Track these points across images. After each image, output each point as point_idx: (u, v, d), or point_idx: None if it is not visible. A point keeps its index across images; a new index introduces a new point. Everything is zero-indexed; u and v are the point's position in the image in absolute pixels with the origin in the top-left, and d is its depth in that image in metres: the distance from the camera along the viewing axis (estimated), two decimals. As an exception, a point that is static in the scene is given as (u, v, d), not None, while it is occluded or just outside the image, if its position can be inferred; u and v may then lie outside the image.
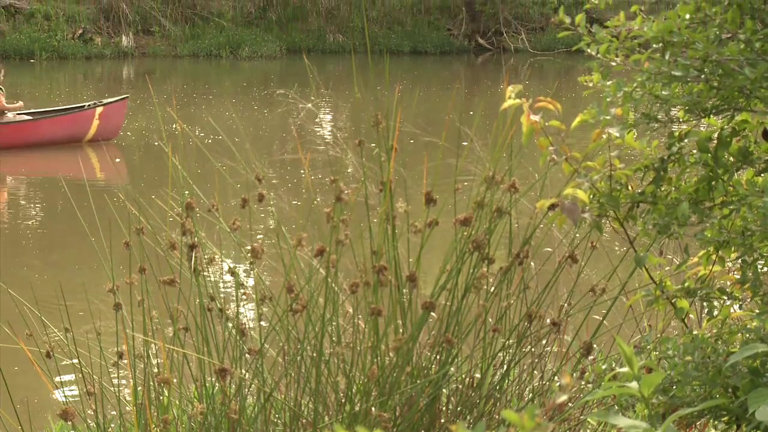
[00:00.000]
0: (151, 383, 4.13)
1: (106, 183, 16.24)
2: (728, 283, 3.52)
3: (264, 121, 22.43)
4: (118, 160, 16.58)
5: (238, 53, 37.84)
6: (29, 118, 18.92)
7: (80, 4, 37.52)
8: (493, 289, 3.88)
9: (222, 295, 4.16)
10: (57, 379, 4.52)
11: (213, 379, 3.99)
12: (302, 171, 15.88)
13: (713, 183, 3.27)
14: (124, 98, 19.65)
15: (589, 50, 3.25)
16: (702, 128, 3.31)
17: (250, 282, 4.14)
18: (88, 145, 18.48)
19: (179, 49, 37.98)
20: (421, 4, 43.33)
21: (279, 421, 4.06)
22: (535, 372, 4.05)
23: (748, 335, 3.14)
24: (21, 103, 19.20)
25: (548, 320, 3.95)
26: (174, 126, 18.49)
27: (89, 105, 19.31)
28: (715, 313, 3.42)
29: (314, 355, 3.86)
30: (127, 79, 32.87)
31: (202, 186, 4.68)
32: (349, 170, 4.15)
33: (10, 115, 18.74)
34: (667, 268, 3.76)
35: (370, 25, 41.08)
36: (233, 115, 23.13)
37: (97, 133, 18.84)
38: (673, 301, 3.41)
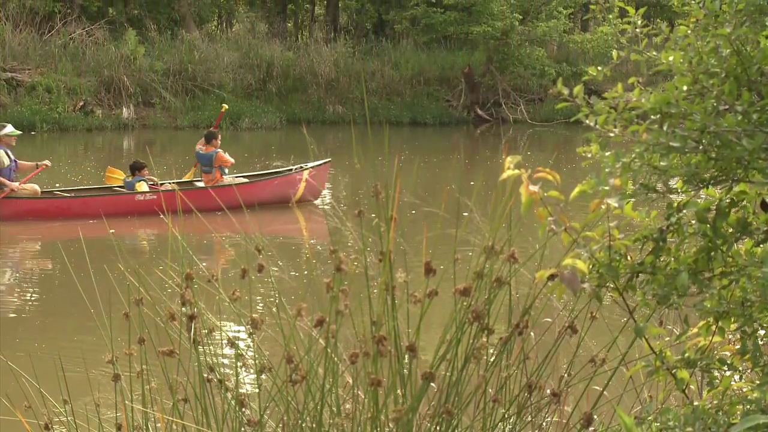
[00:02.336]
0: (150, 455, 4.10)
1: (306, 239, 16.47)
2: (728, 354, 3.51)
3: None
4: (112, 231, 16.56)
5: (238, 124, 38.04)
6: (246, 180, 19.79)
7: (81, 76, 37.74)
8: (493, 359, 3.87)
9: (221, 366, 4.15)
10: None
11: (212, 450, 3.97)
12: (303, 241, 15.90)
13: (712, 253, 3.27)
14: (326, 162, 20.56)
15: (587, 121, 3.27)
16: (700, 199, 3.32)
17: (250, 353, 4.13)
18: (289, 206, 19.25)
19: (180, 120, 38.17)
20: (420, 75, 43.65)
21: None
22: (536, 443, 4.03)
23: (748, 406, 3.13)
24: (232, 160, 19.89)
25: (548, 391, 3.94)
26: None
27: (296, 168, 20.27)
28: (716, 383, 3.41)
29: (314, 425, 3.84)
30: (127, 150, 32.97)
31: (203, 256, 4.68)
32: (349, 242, 4.15)
33: (227, 179, 19.55)
34: (667, 338, 3.75)
35: (370, 96, 41.34)
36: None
37: (303, 194, 19.75)
38: (673, 371, 3.40)
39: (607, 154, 3.22)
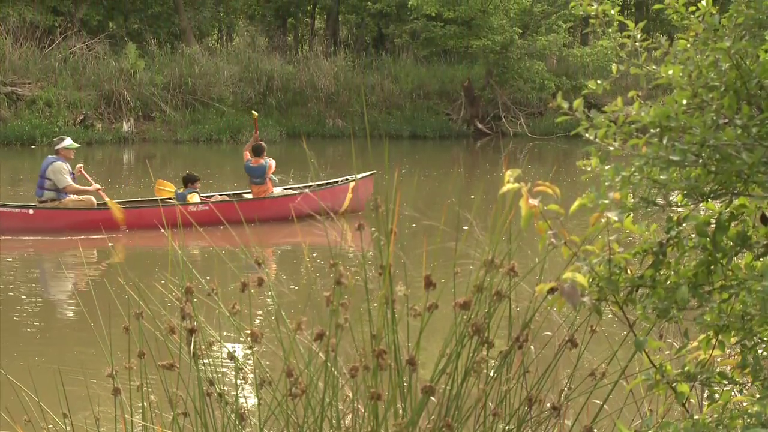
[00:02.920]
0: (150, 469, 4.10)
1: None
2: (728, 368, 3.51)
3: (264, 205, 22.45)
4: (111, 244, 16.57)
5: (238, 138, 38.04)
6: (295, 192, 20.18)
7: (81, 90, 37.77)
8: (492, 373, 3.87)
9: (221, 380, 4.14)
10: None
11: (212, 464, 3.96)
12: (304, 254, 15.89)
13: (712, 267, 3.27)
14: (371, 174, 20.92)
15: (587, 135, 3.27)
16: (700, 212, 3.33)
17: (250, 366, 4.13)
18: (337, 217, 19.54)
19: (180, 134, 38.18)
20: (420, 89, 43.70)
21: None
22: (536, 457, 4.02)
23: (749, 420, 3.12)
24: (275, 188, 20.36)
25: (548, 404, 3.93)
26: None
27: (342, 180, 20.78)
28: (716, 397, 3.41)
29: (314, 440, 3.84)
30: (127, 164, 33.00)
31: (203, 269, 4.68)
32: (349, 254, 4.15)
33: (278, 189, 20.13)
34: (667, 352, 3.76)
35: (370, 109, 41.37)
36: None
37: (349, 205, 20.15)
38: (673, 385, 3.40)
39: (606, 167, 3.22)
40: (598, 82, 3.52)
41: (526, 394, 3.90)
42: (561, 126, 36.72)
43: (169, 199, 19.40)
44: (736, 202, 3.30)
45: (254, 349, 3.94)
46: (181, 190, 19.29)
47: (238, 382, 4.07)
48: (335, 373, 3.82)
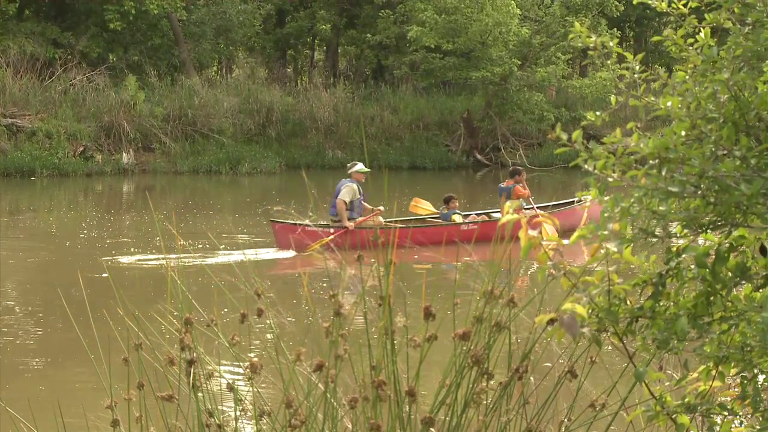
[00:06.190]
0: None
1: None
2: (729, 399, 3.50)
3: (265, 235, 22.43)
4: (105, 274, 16.53)
5: (237, 169, 38.06)
6: (535, 212, 20.58)
7: (81, 122, 37.77)
8: (492, 403, 3.86)
9: (220, 411, 4.13)
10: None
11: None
12: (302, 287, 15.88)
13: (711, 298, 3.27)
14: None
15: (586, 166, 3.28)
16: (699, 243, 3.33)
17: (249, 397, 4.12)
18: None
19: (179, 165, 38.19)
20: (419, 120, 43.76)
21: None
22: (536, 489, 4.01)
23: (749, 451, 3.12)
24: (527, 192, 21.13)
25: (548, 436, 3.92)
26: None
27: (577, 201, 21.56)
28: (716, 429, 3.40)
29: (313, 471, 3.82)
30: (127, 195, 33.01)
31: (202, 301, 4.68)
32: (348, 286, 4.15)
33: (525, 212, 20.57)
34: (667, 383, 3.75)
35: (369, 141, 41.39)
36: (233, 231, 23.14)
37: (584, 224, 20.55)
38: (673, 416, 3.39)
39: (606, 198, 3.23)
40: (597, 113, 3.53)
41: (526, 425, 3.90)
42: (560, 157, 36.72)
43: (432, 217, 20.80)
44: (735, 233, 3.30)
45: (253, 379, 3.94)
46: (446, 210, 20.51)
47: (238, 413, 4.06)
48: (335, 404, 3.82)
